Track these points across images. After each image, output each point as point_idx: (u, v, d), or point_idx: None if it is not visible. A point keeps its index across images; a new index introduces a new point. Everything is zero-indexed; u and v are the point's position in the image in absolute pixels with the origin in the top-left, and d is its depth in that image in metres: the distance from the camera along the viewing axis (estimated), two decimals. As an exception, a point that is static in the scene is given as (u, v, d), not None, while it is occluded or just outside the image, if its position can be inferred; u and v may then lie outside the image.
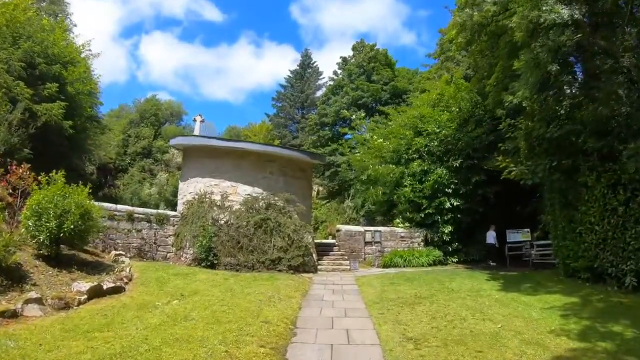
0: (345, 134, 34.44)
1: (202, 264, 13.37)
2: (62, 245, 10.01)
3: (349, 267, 15.78)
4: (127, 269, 10.47)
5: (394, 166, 19.37)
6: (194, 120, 19.05)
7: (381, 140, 20.83)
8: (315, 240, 21.78)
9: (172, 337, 6.02)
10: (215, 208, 14.45)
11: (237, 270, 13.14)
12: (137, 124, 41.97)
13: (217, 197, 14.63)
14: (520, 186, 16.77)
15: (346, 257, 16.93)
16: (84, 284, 8.34)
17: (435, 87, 23.05)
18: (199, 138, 16.12)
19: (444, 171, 18.17)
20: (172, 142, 17.16)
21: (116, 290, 8.84)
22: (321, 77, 48.17)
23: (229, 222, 14.09)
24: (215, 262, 13.44)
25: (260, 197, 14.49)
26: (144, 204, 33.90)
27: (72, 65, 19.65)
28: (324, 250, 17.52)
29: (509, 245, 17.64)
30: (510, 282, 12.04)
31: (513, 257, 17.36)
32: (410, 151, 19.51)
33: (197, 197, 15.03)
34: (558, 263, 13.29)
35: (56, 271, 9.19)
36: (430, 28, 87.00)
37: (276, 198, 14.57)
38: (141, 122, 41.99)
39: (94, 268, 10.42)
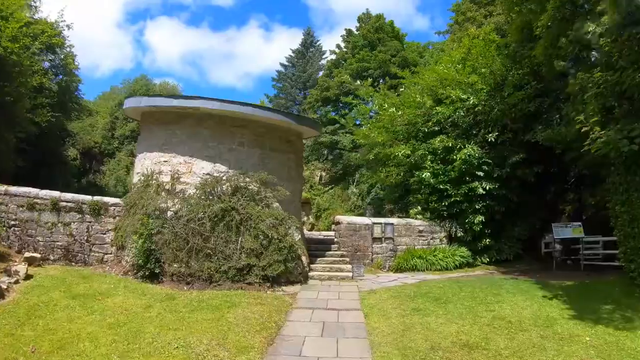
0: (351, 106, 30.34)
1: (140, 274, 9.33)
2: None
3: (350, 273, 11.70)
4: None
5: (407, 147, 15.20)
6: (191, 102, 15.36)
7: (393, 109, 16.58)
8: (312, 233, 17.64)
9: None
10: (163, 193, 10.32)
11: (188, 284, 9.06)
12: (127, 105, 38.47)
13: (167, 179, 10.51)
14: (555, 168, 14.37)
15: (347, 259, 12.84)
16: None
17: (456, 49, 18.76)
18: (145, 98, 11.93)
19: (475, 148, 14.03)
20: (124, 107, 12.89)
21: None
22: (324, 56, 43.73)
23: (179, 214, 9.97)
24: (158, 270, 9.33)
25: (224, 177, 10.25)
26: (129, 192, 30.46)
27: (3, 20, 15.68)
28: (319, 248, 13.42)
29: (555, 241, 14.22)
30: (579, 302, 8.56)
31: (548, 254, 14.96)
32: (429, 123, 15.37)
33: (142, 178, 10.96)
34: (633, 270, 9.59)
35: None
36: (444, 9, 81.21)
37: (247, 179, 10.33)
38: (131, 104, 38.46)
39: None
